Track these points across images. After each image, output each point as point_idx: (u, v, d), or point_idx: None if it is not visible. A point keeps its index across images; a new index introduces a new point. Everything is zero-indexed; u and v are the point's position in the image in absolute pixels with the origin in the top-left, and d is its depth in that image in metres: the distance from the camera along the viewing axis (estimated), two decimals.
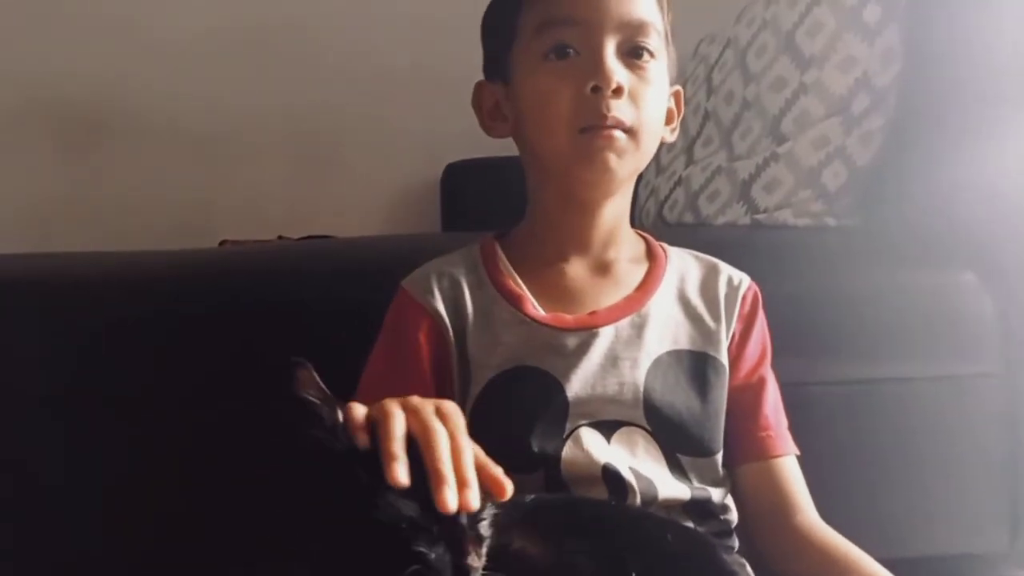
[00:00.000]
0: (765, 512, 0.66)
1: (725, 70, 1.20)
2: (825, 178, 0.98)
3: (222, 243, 1.45)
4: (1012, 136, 0.87)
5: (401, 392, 0.64)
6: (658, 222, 1.21)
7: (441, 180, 1.60)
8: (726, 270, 0.71)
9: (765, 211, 1.00)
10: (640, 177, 1.30)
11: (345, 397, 0.69)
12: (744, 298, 0.70)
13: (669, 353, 0.66)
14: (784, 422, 0.69)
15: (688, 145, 1.24)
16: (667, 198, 1.20)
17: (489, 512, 0.47)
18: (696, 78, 1.30)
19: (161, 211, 1.61)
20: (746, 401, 0.68)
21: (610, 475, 0.61)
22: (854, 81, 1.00)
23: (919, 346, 0.80)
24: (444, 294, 0.67)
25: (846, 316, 0.81)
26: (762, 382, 0.69)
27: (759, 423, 0.68)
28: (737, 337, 0.68)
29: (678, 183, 1.18)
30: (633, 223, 0.74)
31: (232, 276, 0.87)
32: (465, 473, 0.46)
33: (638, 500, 0.61)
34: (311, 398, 0.49)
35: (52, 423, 0.76)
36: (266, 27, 1.60)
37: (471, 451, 0.48)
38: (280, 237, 1.59)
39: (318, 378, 0.49)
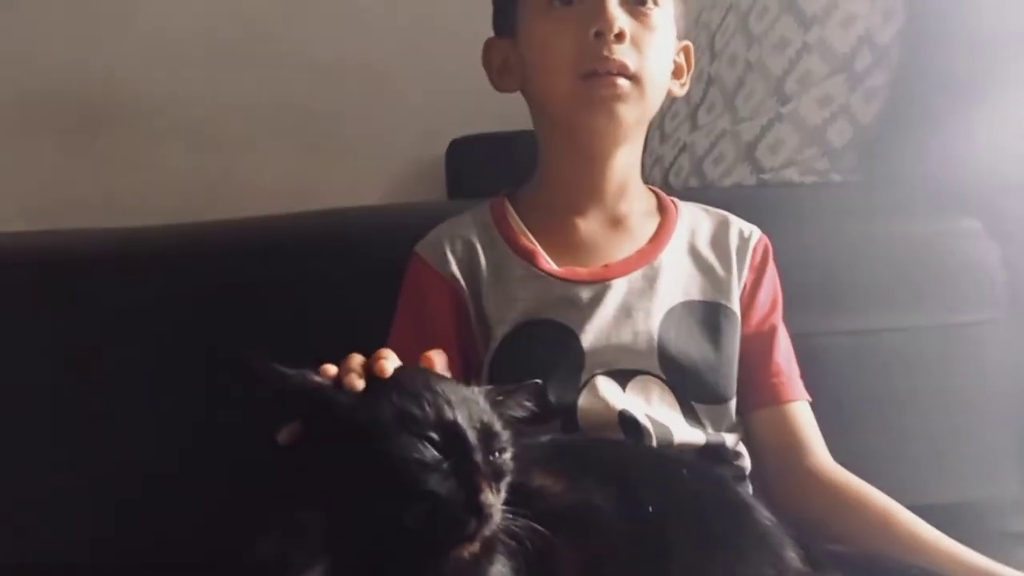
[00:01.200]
0: (778, 455, 0.67)
1: (727, 34, 1.20)
2: (830, 135, 0.98)
3: None
4: (1013, 87, 0.88)
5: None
6: (664, 189, 1.21)
7: (446, 155, 1.61)
8: (737, 223, 0.72)
9: (771, 171, 1.01)
10: (644, 145, 1.32)
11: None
12: (755, 249, 0.71)
13: (682, 304, 0.67)
14: (796, 370, 0.70)
15: (692, 112, 1.24)
16: (672, 165, 1.20)
17: (507, 451, 0.48)
18: (699, 45, 1.30)
19: (165, 197, 1.61)
20: (758, 349, 0.69)
21: (627, 421, 0.62)
22: (856, 38, 1.00)
23: (926, 295, 0.81)
24: (458, 257, 0.68)
25: (853, 268, 0.81)
26: (773, 330, 0.70)
27: (770, 369, 0.69)
28: (748, 287, 0.69)
29: (683, 149, 1.19)
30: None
31: (236, 250, 0.88)
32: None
33: (654, 445, 0.62)
34: (281, 385, 0.48)
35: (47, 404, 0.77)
36: (265, 8, 1.60)
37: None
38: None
39: (275, 365, 0.48)
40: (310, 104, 1.64)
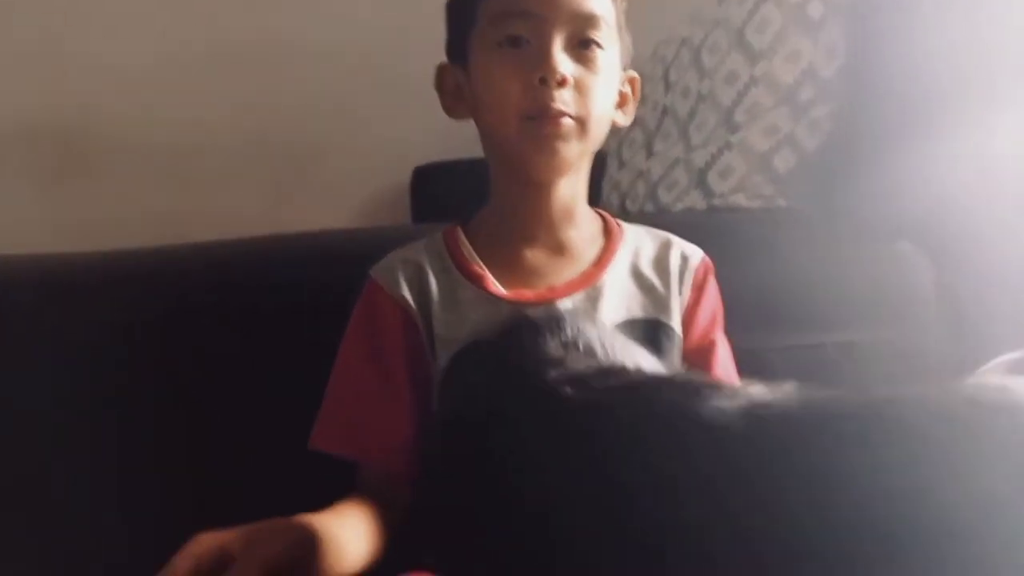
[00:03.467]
0: None
1: (681, 68, 1.26)
2: (776, 163, 1.03)
3: None
4: (945, 119, 0.93)
5: (375, 381, 0.69)
6: (620, 214, 1.26)
7: (410, 183, 1.64)
8: (679, 244, 0.76)
9: (721, 196, 1.06)
10: (603, 172, 1.36)
11: (318, 387, 0.73)
12: (697, 269, 0.74)
13: (624, 322, 0.70)
14: (737, 382, 0.73)
15: (648, 140, 1.29)
16: (629, 191, 1.24)
17: None
18: (654, 77, 1.36)
19: (139, 227, 1.61)
20: (698, 363, 0.72)
21: None
22: (800, 72, 1.06)
23: (863, 312, 0.85)
24: (410, 281, 0.71)
25: (797, 288, 0.85)
26: (712, 344, 0.73)
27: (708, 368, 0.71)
28: (690, 305, 0.72)
29: (639, 176, 1.23)
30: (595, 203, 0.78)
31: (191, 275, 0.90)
32: None
33: None
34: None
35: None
36: (231, 40, 1.63)
37: None
38: None
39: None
40: (276, 135, 1.66)
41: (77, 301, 0.86)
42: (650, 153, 1.26)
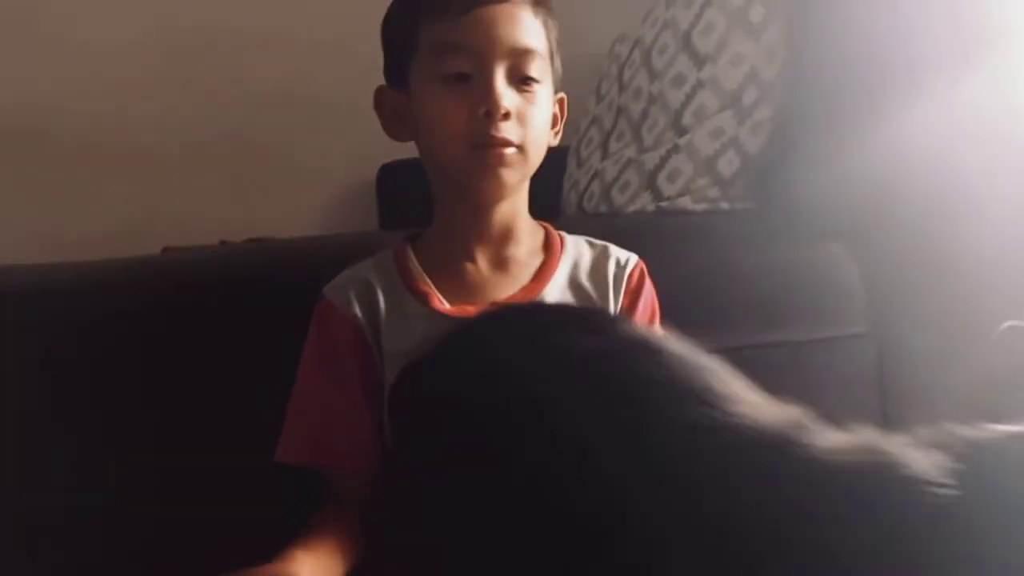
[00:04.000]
0: None
1: (633, 68, 1.30)
2: (721, 166, 1.08)
3: (164, 250, 1.50)
4: (875, 123, 0.98)
5: (333, 392, 0.73)
6: (578, 212, 1.30)
7: (377, 180, 1.67)
8: (615, 253, 0.80)
9: (668, 199, 1.10)
10: (563, 170, 1.39)
11: (282, 401, 0.76)
12: (631, 275, 0.78)
13: None
14: None
15: (604, 139, 1.33)
16: (585, 190, 1.29)
17: None
18: (610, 75, 1.39)
19: (102, 224, 1.63)
20: None
21: None
22: (743, 76, 1.10)
23: (798, 312, 0.90)
24: (360, 299, 0.75)
25: (736, 290, 0.90)
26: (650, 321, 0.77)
27: None
28: (624, 310, 0.77)
29: (594, 176, 1.27)
30: (555, 213, 0.82)
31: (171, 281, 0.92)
32: None
33: None
34: None
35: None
36: (196, 38, 1.64)
37: None
38: (222, 242, 1.64)
39: None
40: (243, 132, 1.68)
41: (52, 308, 0.88)
42: (605, 153, 1.30)
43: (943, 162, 0.91)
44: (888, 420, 0.88)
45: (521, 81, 0.74)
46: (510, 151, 0.73)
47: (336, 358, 0.74)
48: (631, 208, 1.15)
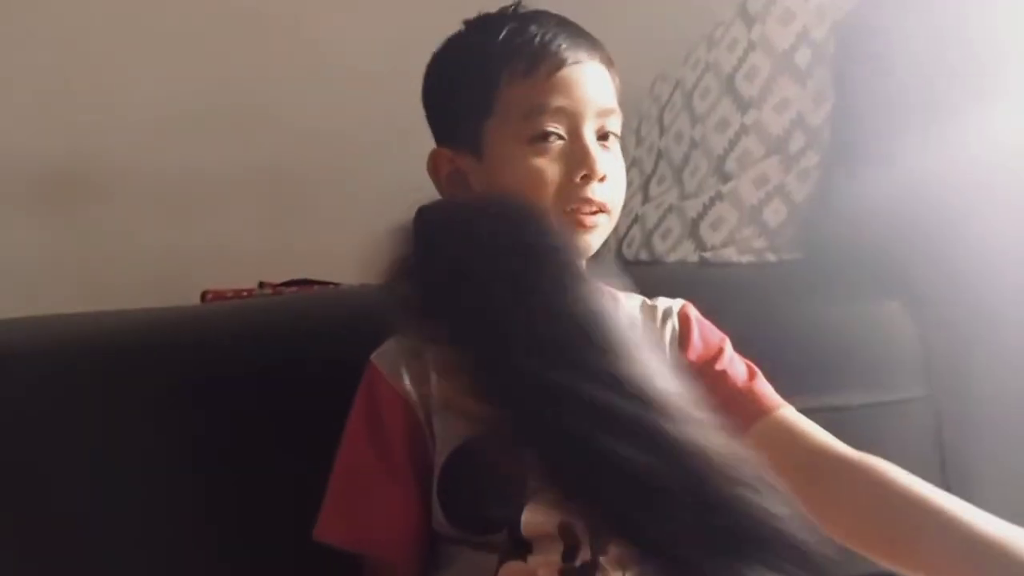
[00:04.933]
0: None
1: (674, 111, 1.27)
2: (766, 215, 1.04)
3: (204, 294, 1.50)
4: (931, 171, 0.94)
5: (379, 471, 0.69)
6: (618, 258, 1.27)
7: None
8: (661, 306, 0.76)
9: (712, 248, 1.07)
10: None
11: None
12: (679, 316, 0.75)
13: None
14: (766, 385, 0.72)
15: (644, 183, 1.30)
16: (625, 235, 1.26)
17: None
18: (650, 117, 1.37)
19: (143, 267, 1.64)
20: (703, 382, 0.67)
21: (565, 531, 0.65)
22: (789, 121, 1.07)
23: (850, 375, 0.85)
24: (411, 370, 0.71)
25: (784, 350, 0.86)
26: (721, 374, 0.72)
27: (726, 385, 0.71)
28: (678, 354, 0.73)
29: (635, 220, 1.24)
30: (593, 256, 0.78)
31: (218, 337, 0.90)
32: None
33: (589, 556, 0.65)
34: None
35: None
36: (235, 82, 1.65)
37: None
38: (261, 283, 1.64)
39: None
40: (280, 171, 1.68)
41: (88, 364, 0.87)
42: (646, 197, 1.27)
43: (1009, 215, 0.86)
44: (950, 486, 0.83)
45: (603, 137, 0.71)
46: (601, 216, 0.70)
47: (383, 435, 0.70)
48: (673, 257, 1.12)
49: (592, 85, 0.71)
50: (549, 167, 0.69)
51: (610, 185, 0.71)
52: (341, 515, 0.71)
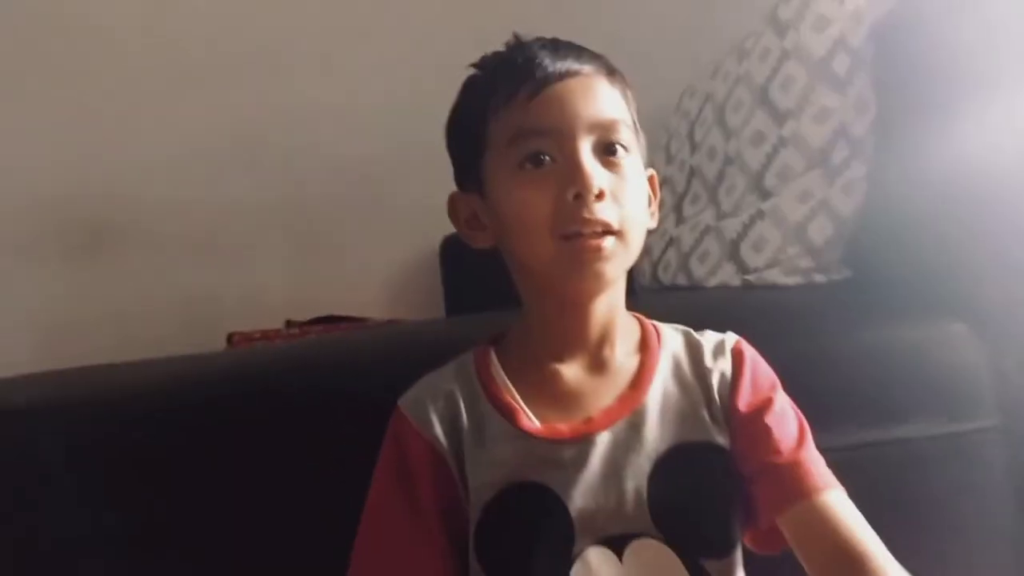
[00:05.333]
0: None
1: (706, 126, 1.21)
2: (811, 232, 0.98)
3: (230, 336, 1.47)
4: (991, 178, 0.87)
5: (407, 524, 0.66)
6: (653, 283, 1.21)
7: (440, 250, 1.62)
8: (708, 342, 0.70)
9: (755, 271, 1.00)
10: None
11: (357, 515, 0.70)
12: (731, 361, 0.68)
13: (671, 449, 0.65)
14: (815, 457, 0.65)
15: (677, 203, 1.24)
16: (660, 259, 1.20)
17: None
18: (679, 134, 1.32)
19: (169, 308, 1.64)
20: (751, 428, 0.65)
21: None
22: (831, 132, 1.00)
23: (914, 404, 0.79)
24: (440, 415, 0.67)
25: (838, 378, 0.80)
26: (766, 403, 0.66)
27: (771, 448, 0.64)
28: (731, 393, 0.67)
29: (669, 243, 1.19)
30: (630, 284, 0.73)
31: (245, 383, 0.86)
32: None
33: None
34: None
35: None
36: (254, 125, 1.63)
37: None
38: (288, 322, 1.62)
39: None
40: (303, 208, 1.67)
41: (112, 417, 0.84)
42: (680, 217, 1.22)
43: None
44: None
45: (608, 151, 0.65)
46: (608, 241, 0.64)
47: (412, 486, 0.66)
48: (713, 281, 1.06)
49: (582, 98, 0.65)
50: (540, 191, 0.64)
51: (615, 202, 0.64)
52: (369, 569, 0.67)
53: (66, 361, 1.09)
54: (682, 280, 1.13)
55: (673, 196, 1.26)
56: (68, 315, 1.62)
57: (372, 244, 1.68)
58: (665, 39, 1.56)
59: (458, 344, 0.73)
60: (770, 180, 1.05)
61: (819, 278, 0.96)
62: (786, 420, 0.67)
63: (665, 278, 1.18)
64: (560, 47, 0.68)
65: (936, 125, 0.94)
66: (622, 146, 0.66)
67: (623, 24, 1.55)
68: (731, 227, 1.06)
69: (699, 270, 1.09)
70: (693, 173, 1.22)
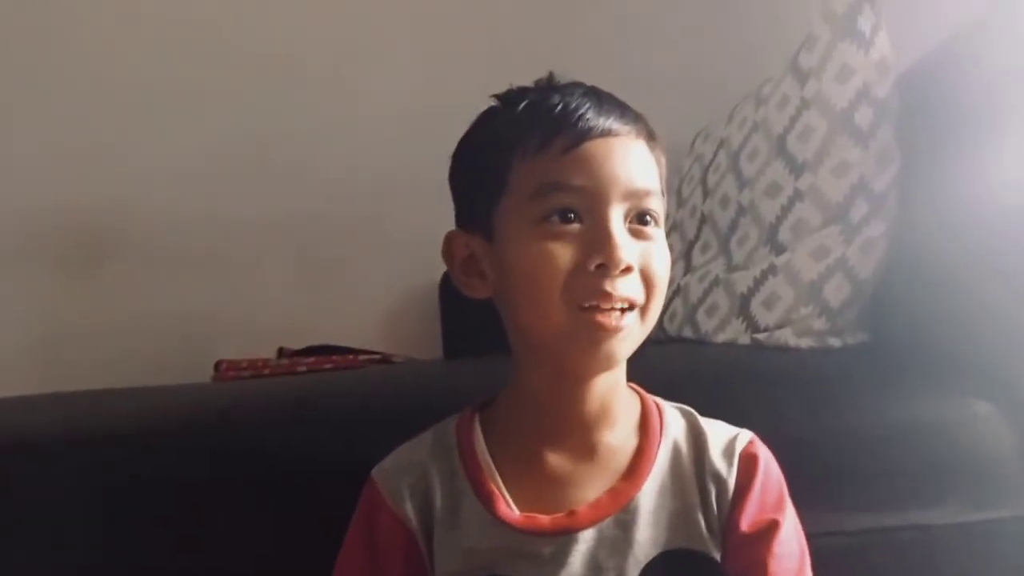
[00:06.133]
0: None
1: (719, 172, 1.17)
2: (827, 293, 0.93)
3: (218, 364, 1.42)
4: (1019, 243, 0.82)
5: None
6: (658, 332, 1.16)
7: (440, 283, 1.58)
8: (716, 437, 0.64)
9: (766, 329, 0.95)
10: None
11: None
12: (739, 468, 0.62)
13: (662, 555, 0.59)
14: None
15: (686, 249, 1.20)
16: (667, 308, 1.15)
17: None
18: (692, 178, 1.27)
19: (163, 324, 1.60)
20: (753, 549, 0.60)
21: None
22: (850, 187, 0.96)
23: (935, 488, 0.73)
24: (412, 490, 0.62)
25: (853, 456, 0.75)
26: (772, 525, 0.61)
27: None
28: (729, 513, 0.61)
29: (677, 292, 1.14)
30: None
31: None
32: None
33: None
34: None
35: None
36: (258, 143, 1.60)
37: None
38: (281, 349, 1.57)
39: None
40: (301, 235, 1.63)
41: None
42: (689, 266, 1.17)
43: None
44: None
45: (639, 221, 0.60)
46: (628, 319, 0.58)
47: (380, 558, 0.62)
48: (721, 337, 1.01)
49: (621, 161, 0.60)
50: (560, 251, 0.58)
51: (640, 279, 0.59)
52: None
53: (58, 372, 1.06)
54: (688, 332, 1.08)
55: (683, 242, 1.21)
56: (61, 327, 1.59)
57: (372, 272, 1.64)
58: (680, 78, 1.52)
59: (445, 411, 0.68)
60: (784, 234, 1.00)
61: (834, 342, 0.91)
62: (786, 557, 0.61)
63: (671, 328, 1.13)
64: (604, 100, 0.63)
65: (964, 182, 0.90)
66: (653, 217, 0.61)
67: (637, 60, 1.52)
68: (742, 280, 1.01)
69: (706, 324, 1.04)
70: (704, 220, 1.17)
